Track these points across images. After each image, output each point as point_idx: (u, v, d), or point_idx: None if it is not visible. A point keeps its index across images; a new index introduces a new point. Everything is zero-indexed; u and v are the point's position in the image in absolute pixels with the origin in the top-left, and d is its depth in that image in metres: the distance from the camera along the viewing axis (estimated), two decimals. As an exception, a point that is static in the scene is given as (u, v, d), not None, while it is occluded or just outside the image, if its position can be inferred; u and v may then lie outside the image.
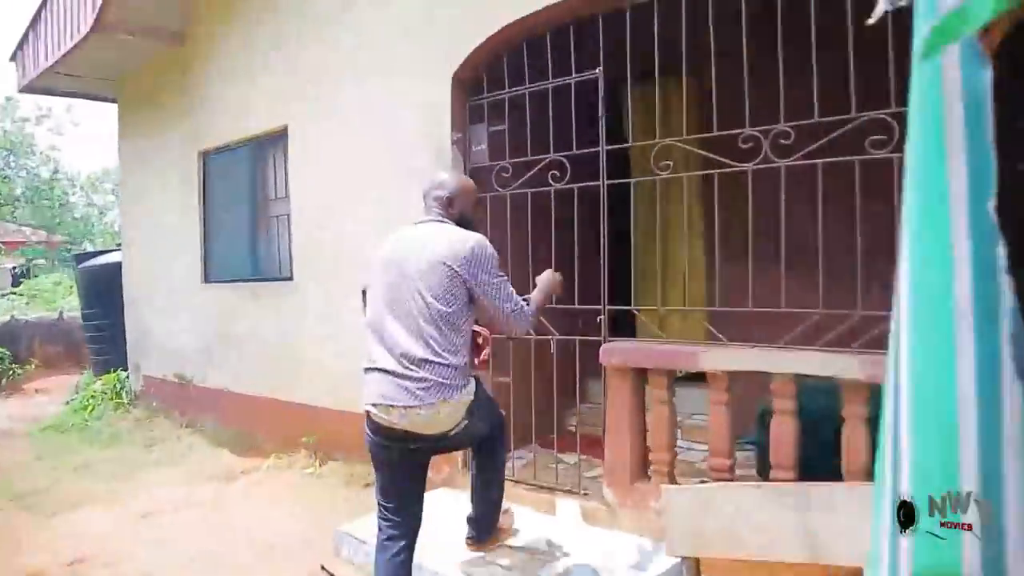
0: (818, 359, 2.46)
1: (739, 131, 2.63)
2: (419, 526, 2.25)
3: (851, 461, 2.40)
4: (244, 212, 5.10)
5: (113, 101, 6.80)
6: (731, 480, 2.71)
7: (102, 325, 6.91)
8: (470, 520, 2.70)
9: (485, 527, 2.71)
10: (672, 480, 2.89)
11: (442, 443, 2.21)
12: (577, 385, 3.31)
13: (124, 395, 6.32)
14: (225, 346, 5.21)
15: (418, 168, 3.66)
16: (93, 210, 23.81)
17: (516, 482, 3.33)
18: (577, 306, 3.11)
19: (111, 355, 6.76)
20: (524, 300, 2.19)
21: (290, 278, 4.59)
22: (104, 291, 6.87)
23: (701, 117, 3.06)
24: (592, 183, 3.05)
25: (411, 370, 2.03)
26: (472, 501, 2.68)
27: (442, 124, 3.54)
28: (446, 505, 3.14)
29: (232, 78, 5.03)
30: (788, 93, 2.54)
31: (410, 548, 2.20)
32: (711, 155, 2.72)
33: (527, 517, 3.07)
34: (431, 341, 2.04)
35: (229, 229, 5.27)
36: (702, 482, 2.95)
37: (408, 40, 3.75)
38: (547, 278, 2.41)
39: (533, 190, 3.23)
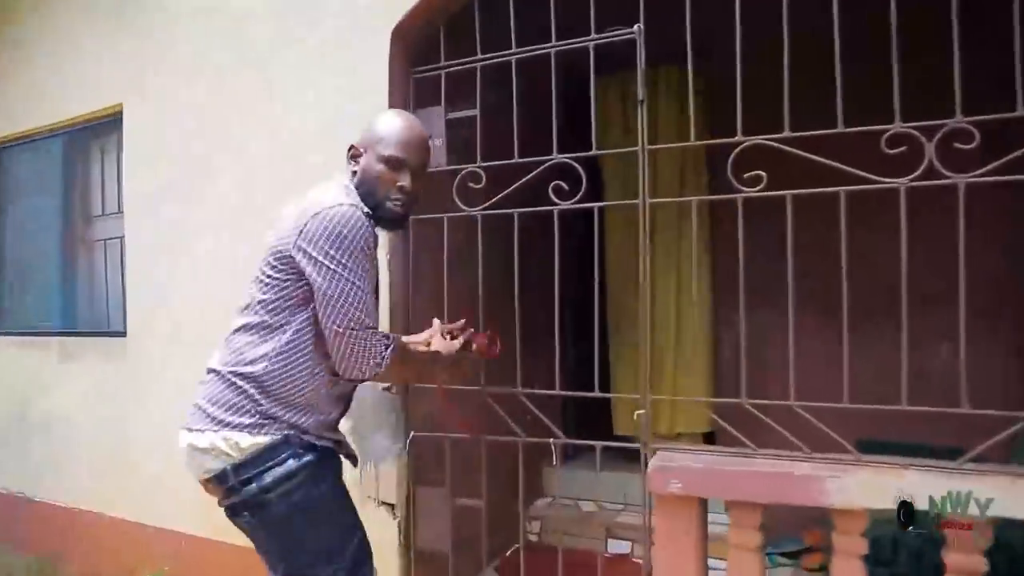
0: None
1: (884, 127, 1.66)
2: None
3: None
4: (53, 233, 3.50)
5: None
6: None
7: None
8: None
9: None
10: (762, 673, 1.82)
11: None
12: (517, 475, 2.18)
13: None
14: (20, 429, 3.53)
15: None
16: None
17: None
18: (603, 394, 1.98)
19: None
20: (386, 336, 1.49)
21: (122, 333, 3.08)
22: None
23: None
24: (629, 201, 1.96)
25: (201, 384, 1.52)
26: None
27: (372, 103, 2.30)
28: None
29: (39, 36, 3.45)
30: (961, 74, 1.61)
31: None
32: (828, 162, 1.72)
33: None
34: (233, 344, 1.49)
35: (30, 258, 3.62)
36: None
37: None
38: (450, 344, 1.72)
39: (523, 210, 2.10)
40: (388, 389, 2.24)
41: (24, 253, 3.66)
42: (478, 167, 2.14)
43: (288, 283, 1.44)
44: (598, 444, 1.96)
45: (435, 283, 2.26)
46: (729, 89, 1.90)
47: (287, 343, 1.44)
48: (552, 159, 2.05)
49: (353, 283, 1.39)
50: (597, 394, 1.98)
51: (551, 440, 1.99)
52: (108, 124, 3.21)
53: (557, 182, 2.01)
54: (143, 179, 3.02)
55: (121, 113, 3.08)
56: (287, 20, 2.55)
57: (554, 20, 2.04)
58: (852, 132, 1.73)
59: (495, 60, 2.14)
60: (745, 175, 1.81)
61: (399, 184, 1.54)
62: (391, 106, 2.26)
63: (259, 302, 1.47)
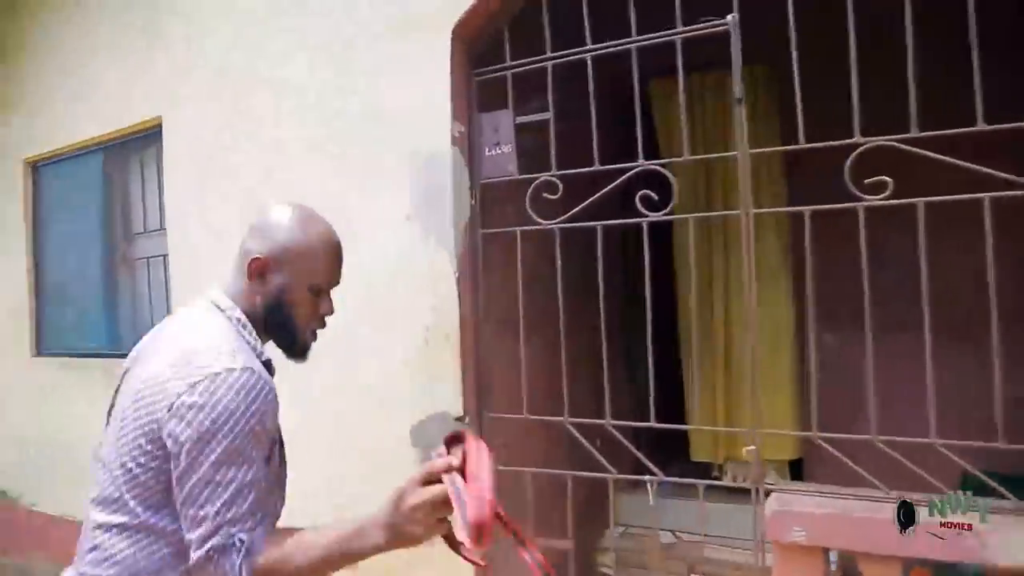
0: None
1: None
2: None
3: None
4: (94, 252, 3.39)
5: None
6: None
7: None
8: None
9: None
10: None
11: None
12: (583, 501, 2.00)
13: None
14: (71, 453, 3.45)
15: (385, 186, 2.23)
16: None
17: None
18: (708, 427, 1.79)
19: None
20: (248, 551, 0.97)
21: (169, 355, 2.97)
22: None
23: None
24: (730, 212, 1.76)
25: None
26: None
27: (433, 108, 2.12)
28: None
29: (74, 50, 3.34)
30: None
31: None
32: (960, 162, 1.50)
33: None
34: (108, 550, 1.06)
35: (71, 277, 3.53)
36: None
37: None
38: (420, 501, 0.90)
39: (609, 223, 1.91)
40: (460, 419, 2.07)
41: (65, 273, 3.57)
42: (553, 175, 1.95)
43: (167, 470, 1.04)
44: (701, 483, 1.77)
45: (507, 302, 2.08)
46: (805, 89, 1.70)
47: (181, 551, 1.04)
48: (638, 166, 1.85)
49: (229, 483, 0.99)
50: (702, 427, 1.79)
51: (647, 478, 1.80)
52: (147, 138, 3.09)
53: (645, 191, 1.82)
54: (185, 194, 2.89)
55: (160, 126, 2.95)
56: (333, 21, 2.38)
57: (634, 15, 1.84)
58: (988, 130, 1.51)
59: (569, 58, 1.94)
60: (866, 181, 1.60)
61: (322, 313, 1.19)
62: (456, 110, 2.08)
63: (133, 497, 1.06)
